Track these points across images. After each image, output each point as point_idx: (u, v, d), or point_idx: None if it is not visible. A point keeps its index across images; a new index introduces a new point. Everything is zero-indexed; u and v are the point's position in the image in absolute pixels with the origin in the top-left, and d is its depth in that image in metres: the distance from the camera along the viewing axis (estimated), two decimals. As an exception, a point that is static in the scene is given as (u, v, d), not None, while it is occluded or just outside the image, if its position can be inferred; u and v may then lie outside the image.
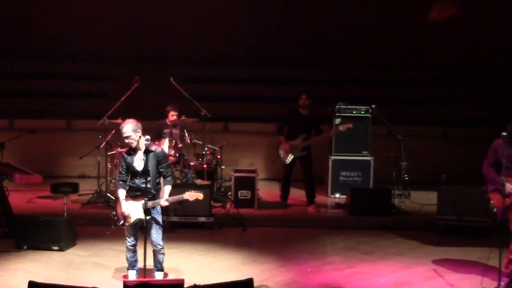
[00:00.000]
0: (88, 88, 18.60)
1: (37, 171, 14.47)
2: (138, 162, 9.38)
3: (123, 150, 10.31)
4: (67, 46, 19.77)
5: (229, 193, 14.07)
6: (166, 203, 9.49)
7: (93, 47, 19.83)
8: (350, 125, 14.02)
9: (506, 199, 9.51)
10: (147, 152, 9.29)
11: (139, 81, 14.29)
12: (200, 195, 9.89)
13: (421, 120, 17.66)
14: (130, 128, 9.19)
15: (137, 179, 9.38)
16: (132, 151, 9.39)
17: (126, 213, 9.28)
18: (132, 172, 9.46)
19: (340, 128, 13.98)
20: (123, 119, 13.60)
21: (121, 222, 9.41)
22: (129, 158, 9.39)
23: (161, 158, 9.51)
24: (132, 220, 9.35)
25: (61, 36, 19.82)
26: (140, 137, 9.34)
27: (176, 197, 9.69)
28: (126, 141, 9.29)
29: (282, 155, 13.93)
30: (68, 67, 19.29)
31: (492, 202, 9.91)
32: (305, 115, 13.89)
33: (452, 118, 16.42)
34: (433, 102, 18.82)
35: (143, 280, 9.01)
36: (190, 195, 9.70)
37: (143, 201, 9.29)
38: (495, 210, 9.80)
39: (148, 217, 9.32)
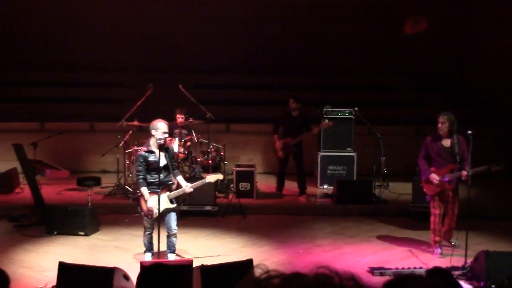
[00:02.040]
0: (108, 95, 18.60)
1: (65, 167, 14.59)
2: (159, 159, 9.39)
3: (140, 148, 10.33)
4: (90, 58, 19.75)
5: (231, 185, 14.09)
6: (191, 189, 9.53)
7: (112, 59, 19.79)
8: (330, 123, 14.15)
9: (435, 188, 10.14)
10: (164, 149, 9.35)
11: (152, 88, 14.35)
12: (220, 176, 9.99)
13: (397, 120, 17.65)
14: (165, 126, 9.34)
15: (160, 174, 9.37)
16: (152, 149, 9.40)
17: (155, 210, 9.30)
18: (154, 168, 9.45)
19: (321, 126, 14.12)
20: (139, 121, 13.82)
21: (149, 216, 9.42)
22: (151, 156, 9.39)
23: (172, 153, 9.60)
24: (160, 211, 9.32)
25: (85, 49, 19.80)
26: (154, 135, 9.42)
27: (199, 182, 9.76)
28: (165, 135, 9.35)
29: (277, 152, 14.02)
30: (91, 77, 19.28)
31: (424, 190, 10.27)
32: (295, 116, 13.91)
33: (424, 119, 16.40)
34: (408, 105, 18.82)
35: (157, 261, 9.08)
36: (211, 177, 9.78)
37: (167, 193, 9.35)
38: (427, 197, 10.47)
39: (173, 206, 9.41)
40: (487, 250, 9.11)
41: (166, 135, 9.42)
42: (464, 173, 9.74)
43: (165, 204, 9.38)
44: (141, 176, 9.43)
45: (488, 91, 18.91)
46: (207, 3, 20.24)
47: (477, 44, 19.08)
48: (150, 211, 9.34)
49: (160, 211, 9.26)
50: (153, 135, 9.37)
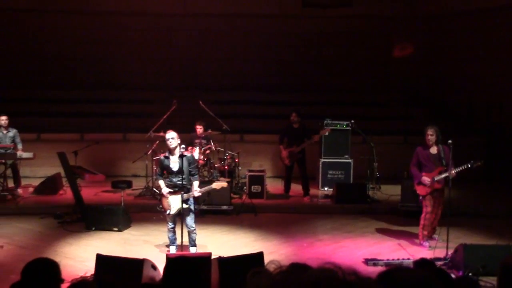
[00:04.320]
0: (138, 110, 18.62)
1: (101, 172, 14.66)
2: (174, 164, 9.46)
3: (160, 156, 10.36)
4: (124, 79, 19.81)
5: (245, 187, 14.08)
6: (199, 194, 9.60)
7: (143, 79, 19.86)
8: (329, 130, 14.15)
9: (427, 189, 10.28)
10: (181, 156, 9.39)
11: (176, 104, 14.38)
12: (225, 184, 10.03)
13: (388, 131, 17.59)
14: (173, 134, 9.41)
15: (174, 177, 9.48)
16: (168, 156, 9.49)
17: (171, 206, 9.39)
18: (169, 171, 9.56)
19: (321, 133, 14.06)
20: (165, 132, 13.79)
21: (167, 212, 9.50)
22: (166, 161, 9.50)
23: (191, 161, 9.60)
24: (175, 210, 9.42)
25: (120, 71, 19.86)
26: (178, 144, 9.46)
27: (206, 188, 9.78)
28: (169, 142, 9.41)
29: (284, 160, 14.01)
30: (124, 94, 19.30)
31: (417, 192, 10.39)
32: (296, 128, 13.91)
33: (411, 130, 16.34)
34: (397, 118, 18.75)
35: (181, 253, 9.07)
36: (217, 185, 9.82)
37: (181, 194, 9.38)
38: (420, 197, 10.56)
39: (185, 206, 9.41)
40: (465, 243, 9.20)
41: (170, 142, 9.45)
42: (453, 171, 9.87)
43: (179, 204, 9.38)
44: (158, 174, 9.93)
45: (465, 107, 18.94)
46: (226, 33, 20.26)
47: (456, 68, 19.24)
48: (167, 207, 9.43)
49: (174, 210, 9.44)
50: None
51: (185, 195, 9.44)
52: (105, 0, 19.81)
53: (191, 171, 9.57)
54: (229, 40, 20.26)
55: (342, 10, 20.27)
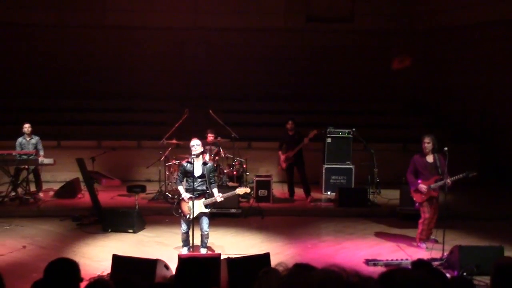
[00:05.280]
0: (152, 118, 18.67)
1: (117, 177, 14.74)
2: (197, 170, 9.45)
3: (181, 161, 10.38)
4: (138, 89, 19.89)
5: (252, 192, 14.09)
6: (222, 199, 9.56)
7: (156, 90, 19.92)
8: (315, 132, 13.97)
9: (423, 196, 10.26)
10: (204, 163, 9.45)
11: (188, 113, 14.42)
12: (248, 190, 9.96)
13: (388, 138, 17.58)
14: (197, 142, 9.45)
15: (195, 182, 9.44)
16: (191, 161, 9.47)
17: (192, 210, 9.34)
18: (190, 176, 9.53)
19: (309, 136, 13.89)
20: (177, 140, 13.87)
21: (188, 216, 9.45)
22: (189, 166, 9.48)
23: (212, 170, 9.63)
24: (196, 214, 9.38)
25: (134, 82, 19.95)
26: (201, 151, 9.51)
27: (230, 193, 9.80)
28: (194, 148, 9.42)
29: (281, 164, 14.26)
30: (138, 104, 19.37)
31: (414, 198, 10.37)
32: (292, 135, 14.14)
33: (409, 137, 16.32)
34: (396, 126, 18.75)
35: (192, 254, 9.08)
36: (240, 190, 9.79)
37: (203, 199, 9.39)
38: (417, 204, 10.54)
39: (206, 211, 9.44)
40: (460, 245, 9.18)
41: (195, 148, 9.46)
42: (448, 181, 9.88)
43: (200, 208, 9.41)
44: (179, 180, 9.78)
45: (459, 116, 18.93)
46: (234, 46, 20.32)
47: (452, 79, 19.27)
48: (187, 212, 9.41)
49: (195, 214, 9.33)
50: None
51: (208, 200, 9.45)
52: (120, 16, 19.94)
53: (211, 179, 9.58)
54: (237, 52, 20.32)
55: (344, 25, 20.34)
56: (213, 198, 9.44)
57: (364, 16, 20.29)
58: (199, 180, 9.46)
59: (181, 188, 9.63)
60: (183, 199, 9.53)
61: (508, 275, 4.41)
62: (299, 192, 14.49)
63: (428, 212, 10.29)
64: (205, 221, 9.49)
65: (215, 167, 13.78)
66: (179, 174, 9.87)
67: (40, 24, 19.80)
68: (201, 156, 9.54)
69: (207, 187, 9.56)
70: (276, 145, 14.84)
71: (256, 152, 16.77)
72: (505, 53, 17.51)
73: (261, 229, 11.90)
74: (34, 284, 4.76)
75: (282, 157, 14.19)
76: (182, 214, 9.57)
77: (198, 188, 9.44)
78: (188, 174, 9.55)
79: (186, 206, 9.44)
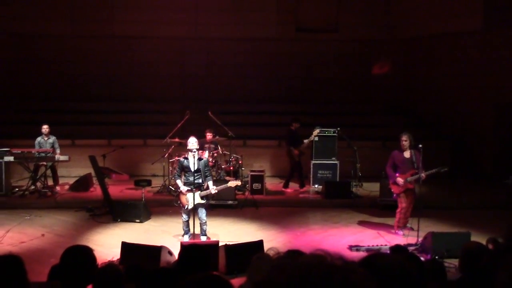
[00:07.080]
0: (156, 119, 18.63)
1: (125, 172, 14.73)
2: (192, 165, 9.49)
3: (180, 157, 10.41)
4: (144, 92, 19.89)
5: (247, 185, 14.11)
6: (216, 191, 9.60)
7: (160, 93, 19.92)
8: (317, 131, 14.43)
9: (400, 188, 10.32)
10: (199, 159, 9.48)
11: (189, 114, 14.42)
12: (238, 182, 10.09)
13: (369, 137, 17.60)
14: (194, 140, 9.44)
15: (191, 176, 9.49)
16: (188, 157, 9.52)
17: (189, 203, 9.41)
18: (187, 171, 9.58)
19: (309, 140, 14.23)
20: (179, 138, 13.87)
21: (186, 207, 9.52)
22: (185, 162, 9.53)
23: (206, 164, 9.66)
24: (192, 205, 9.44)
25: (140, 86, 19.95)
26: (197, 148, 9.52)
27: (223, 186, 9.83)
28: (192, 146, 9.42)
29: (295, 157, 14.29)
30: (144, 106, 19.36)
31: (392, 190, 10.42)
32: (296, 133, 14.40)
33: (389, 136, 16.34)
34: (377, 126, 18.77)
35: (193, 241, 9.10)
36: (232, 183, 9.86)
37: (199, 192, 9.42)
38: (394, 195, 10.61)
39: (203, 202, 9.49)
40: (433, 231, 9.29)
41: (192, 144, 9.48)
42: (423, 174, 9.94)
43: (197, 199, 9.44)
44: (176, 175, 9.87)
45: (433, 116, 19.00)
46: (231, 53, 20.31)
47: (426, 84, 19.27)
48: (185, 203, 9.45)
49: (193, 204, 9.40)
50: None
51: (203, 192, 9.48)
52: (128, 26, 19.90)
53: (206, 172, 9.62)
54: (233, 59, 20.33)
55: (330, 35, 20.36)
56: (208, 190, 9.50)
57: (348, 26, 20.30)
58: (196, 174, 9.48)
59: (179, 182, 9.68)
60: (181, 191, 9.56)
61: (474, 257, 4.53)
62: (291, 185, 14.60)
63: (404, 202, 10.36)
64: (201, 211, 9.54)
65: (214, 163, 13.85)
66: (177, 169, 9.92)
67: (57, 35, 19.78)
68: (197, 152, 9.57)
69: (203, 181, 9.60)
70: (270, 143, 14.88)
71: (250, 150, 16.77)
72: (473, 61, 17.61)
73: (256, 219, 11.93)
74: (52, 268, 4.79)
75: (296, 151, 14.25)
76: (181, 205, 9.63)
77: (194, 181, 9.46)
78: (185, 169, 9.60)
79: (184, 198, 9.52)
